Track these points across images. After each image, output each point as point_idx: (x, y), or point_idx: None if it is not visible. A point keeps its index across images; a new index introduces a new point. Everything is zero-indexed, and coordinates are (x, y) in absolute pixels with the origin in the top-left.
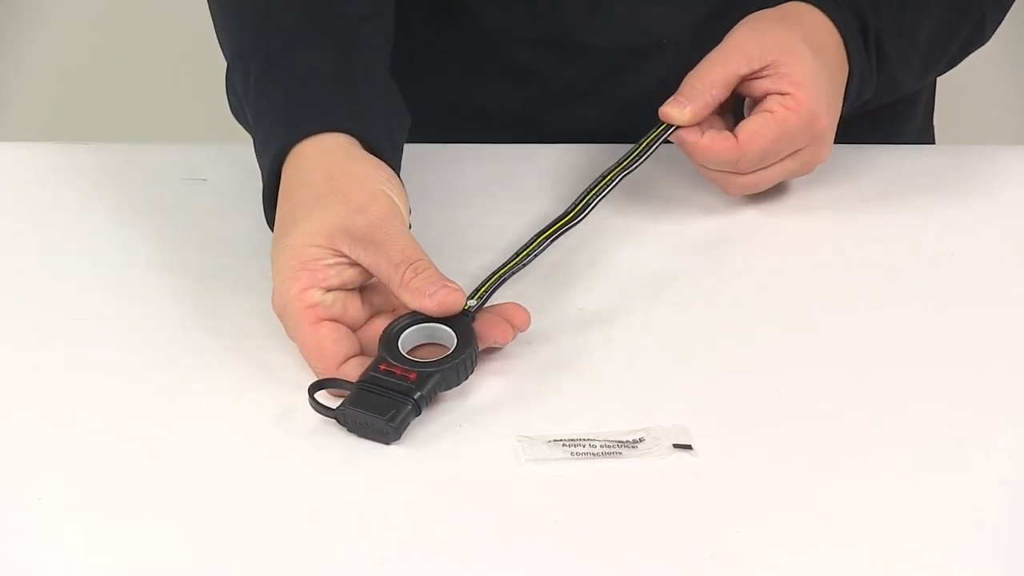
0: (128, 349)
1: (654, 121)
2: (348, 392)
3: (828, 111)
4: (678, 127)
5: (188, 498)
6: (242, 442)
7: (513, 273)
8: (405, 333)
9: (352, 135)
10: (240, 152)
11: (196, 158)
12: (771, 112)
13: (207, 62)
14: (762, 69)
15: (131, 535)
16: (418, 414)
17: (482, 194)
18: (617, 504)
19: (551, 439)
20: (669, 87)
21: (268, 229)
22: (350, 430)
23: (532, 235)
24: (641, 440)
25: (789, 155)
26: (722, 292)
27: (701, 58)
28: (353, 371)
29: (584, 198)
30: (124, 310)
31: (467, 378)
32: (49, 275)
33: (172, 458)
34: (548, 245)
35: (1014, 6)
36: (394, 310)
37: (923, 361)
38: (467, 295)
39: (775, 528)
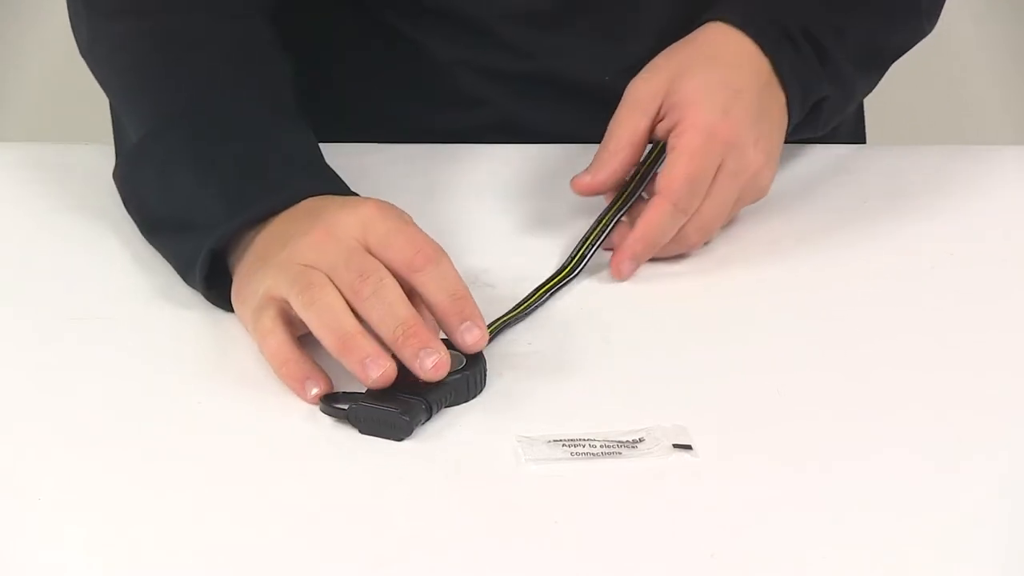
0: (128, 349)
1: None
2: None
3: (727, 116)
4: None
5: (188, 498)
6: (242, 442)
7: (517, 321)
8: None
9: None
10: None
11: None
12: (672, 150)
13: None
14: (659, 111)
15: (131, 535)
16: (429, 416)
17: (481, 194)
18: (617, 504)
19: (551, 439)
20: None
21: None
22: (361, 431)
23: (535, 287)
24: (641, 440)
25: (717, 174)
26: (722, 292)
27: None
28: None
29: (581, 247)
30: (124, 310)
31: (476, 395)
32: (49, 275)
33: (172, 458)
34: (552, 294)
35: (1012, 6)
36: None
37: (923, 361)
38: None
39: (775, 528)
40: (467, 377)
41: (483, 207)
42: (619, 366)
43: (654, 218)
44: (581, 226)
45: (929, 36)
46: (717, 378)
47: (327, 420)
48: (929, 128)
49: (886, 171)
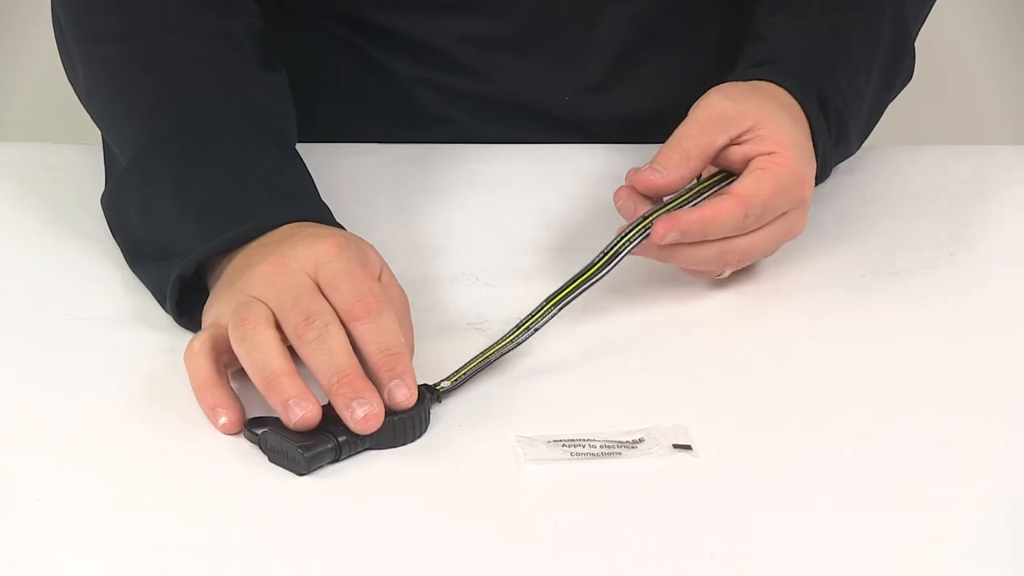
0: (128, 349)
1: None
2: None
3: (810, 178)
4: (662, 212)
5: (189, 499)
6: (243, 443)
7: (491, 362)
8: None
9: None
10: None
11: None
12: (763, 169)
13: None
14: (740, 135)
15: (131, 536)
16: (336, 457)
17: (482, 194)
18: (617, 504)
19: (551, 439)
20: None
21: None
22: (269, 459)
23: (512, 326)
24: (641, 440)
25: (777, 217)
26: (722, 292)
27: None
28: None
29: (559, 294)
30: (124, 310)
31: (410, 441)
32: (49, 275)
33: (172, 458)
34: (528, 338)
35: (1014, 7)
36: None
37: (923, 361)
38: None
39: (775, 528)
40: (394, 423)
41: (483, 206)
42: (619, 366)
43: (723, 213)
44: (582, 225)
45: (929, 36)
46: (717, 378)
47: None
48: (929, 128)
49: (886, 171)
